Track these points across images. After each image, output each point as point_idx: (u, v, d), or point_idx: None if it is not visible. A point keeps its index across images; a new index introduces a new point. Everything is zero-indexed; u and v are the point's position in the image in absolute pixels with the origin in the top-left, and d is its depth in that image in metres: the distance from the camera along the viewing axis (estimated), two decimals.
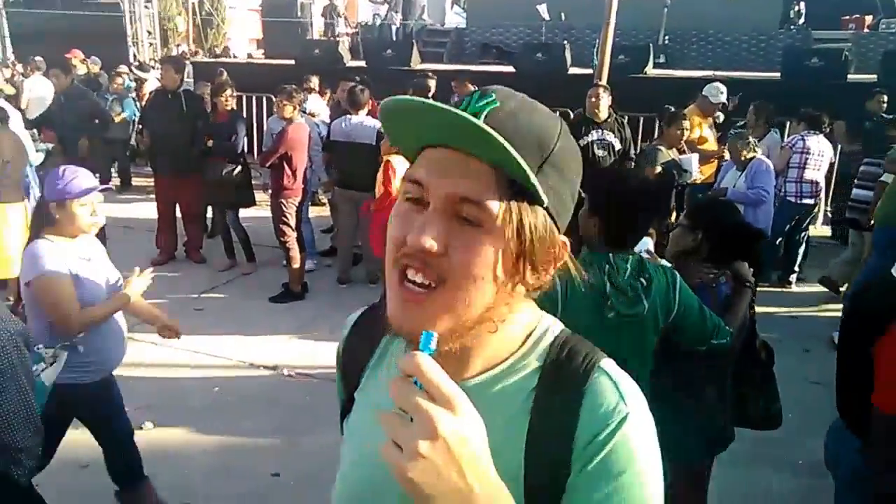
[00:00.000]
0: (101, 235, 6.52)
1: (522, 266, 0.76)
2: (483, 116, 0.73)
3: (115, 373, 4.33)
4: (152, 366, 4.48)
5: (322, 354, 4.66)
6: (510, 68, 9.90)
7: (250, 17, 24.27)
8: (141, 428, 3.67)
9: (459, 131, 0.71)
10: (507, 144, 0.69)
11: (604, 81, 6.68)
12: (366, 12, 22.65)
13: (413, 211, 0.75)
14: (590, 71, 9.07)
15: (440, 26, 14.63)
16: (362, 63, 10.91)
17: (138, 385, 4.22)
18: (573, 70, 9.58)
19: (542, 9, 11.60)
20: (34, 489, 2.24)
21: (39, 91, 9.22)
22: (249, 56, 15.95)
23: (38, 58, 10.31)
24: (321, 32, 14.74)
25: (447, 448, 0.60)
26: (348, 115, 5.68)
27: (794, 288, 6.14)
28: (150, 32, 14.00)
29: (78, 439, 3.52)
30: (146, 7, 14.02)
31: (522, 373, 0.83)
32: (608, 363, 0.85)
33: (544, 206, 0.75)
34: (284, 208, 5.70)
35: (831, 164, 6.52)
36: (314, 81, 8.04)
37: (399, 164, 5.20)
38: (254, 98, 10.08)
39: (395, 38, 12.65)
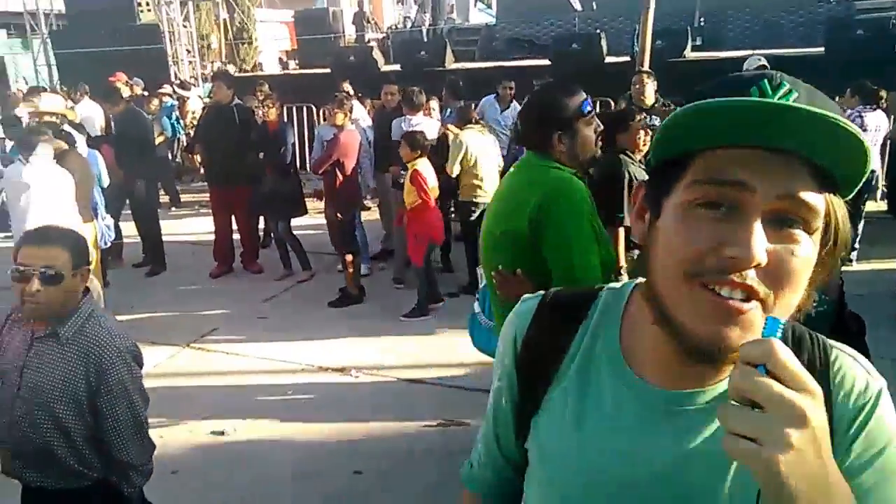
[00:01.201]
0: (160, 252, 6.82)
1: (820, 272, 0.71)
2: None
3: (187, 382, 4.52)
4: (224, 374, 4.64)
5: (387, 354, 4.78)
6: (545, 61, 9.90)
7: (280, 29, 24.64)
8: (222, 433, 3.82)
9: (793, 128, 0.63)
10: (861, 136, 0.63)
11: (646, 67, 6.65)
12: (392, 16, 22.81)
13: (712, 218, 0.68)
14: (626, 59, 9.02)
15: (468, 24, 14.67)
16: (396, 66, 11.02)
17: (213, 393, 4.39)
18: (609, 59, 9.53)
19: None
20: (145, 500, 2.32)
21: (87, 113, 9.57)
22: (281, 63, 16.22)
23: (83, 84, 10.69)
24: (351, 40, 14.90)
25: (815, 437, 0.57)
26: (407, 116, 5.77)
27: (855, 265, 6.02)
28: (189, 51, 14.34)
29: (168, 444, 3.67)
30: (184, 27, 14.36)
31: None
32: (834, 342, 0.82)
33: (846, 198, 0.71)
34: (338, 214, 5.81)
35: (885, 138, 6.38)
36: (347, 88, 8.16)
37: (426, 171, 5.32)
38: (294, 108, 10.25)
39: (426, 39, 12.73)
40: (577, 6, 11.77)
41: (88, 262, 2.09)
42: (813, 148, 0.65)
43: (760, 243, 0.65)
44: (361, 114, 7.71)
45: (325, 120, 7.69)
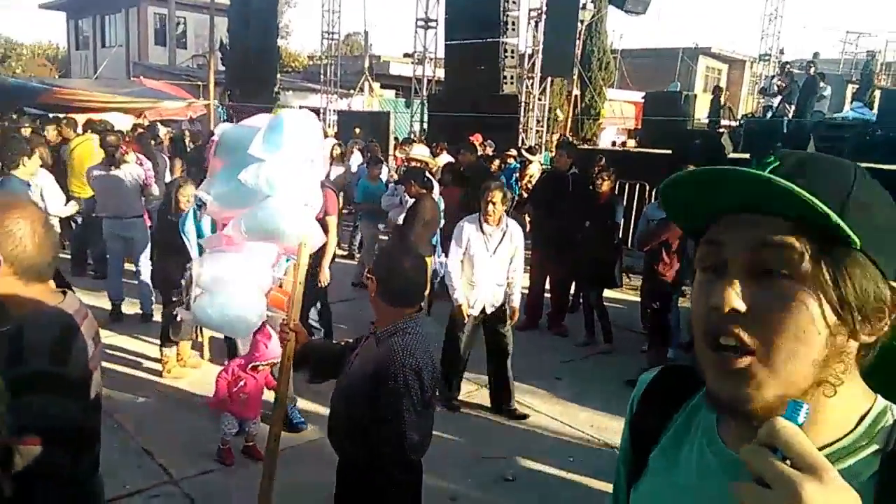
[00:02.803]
0: None
1: (849, 316, 0.70)
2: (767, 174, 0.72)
3: (481, 416, 4.71)
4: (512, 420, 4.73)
5: None
6: None
7: (627, 108, 25.28)
8: (506, 479, 3.88)
9: (751, 191, 0.71)
10: (796, 189, 0.67)
11: None
12: (750, 105, 21.74)
13: (713, 280, 0.74)
14: None
15: (840, 119, 13.22)
16: (745, 155, 10.38)
17: (500, 433, 4.51)
18: None
19: None
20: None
21: (443, 164, 10.93)
22: (624, 144, 16.57)
23: (443, 141, 12.30)
24: (701, 124, 14.54)
25: None
26: None
27: None
28: (538, 121, 15.52)
29: (452, 473, 3.84)
30: (539, 100, 15.63)
31: (857, 457, 0.73)
32: None
33: (858, 247, 0.69)
34: (653, 294, 5.60)
35: None
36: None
37: None
38: (627, 184, 10.29)
39: (785, 130, 11.80)
40: None
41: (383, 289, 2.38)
42: (773, 205, 0.70)
43: (733, 291, 0.70)
44: None
45: (655, 199, 7.56)
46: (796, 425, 0.61)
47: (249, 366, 3.81)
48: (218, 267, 2.63)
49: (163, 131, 11.99)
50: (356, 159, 11.60)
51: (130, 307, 6.43)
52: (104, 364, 5.25)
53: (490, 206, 4.52)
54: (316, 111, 20.20)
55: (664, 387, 0.97)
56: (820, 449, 0.70)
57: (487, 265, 4.59)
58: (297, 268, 2.62)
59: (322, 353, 2.66)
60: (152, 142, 9.39)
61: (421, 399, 2.27)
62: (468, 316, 4.64)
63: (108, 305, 6.27)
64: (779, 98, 12.85)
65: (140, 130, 11.28)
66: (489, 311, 4.73)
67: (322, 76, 21.55)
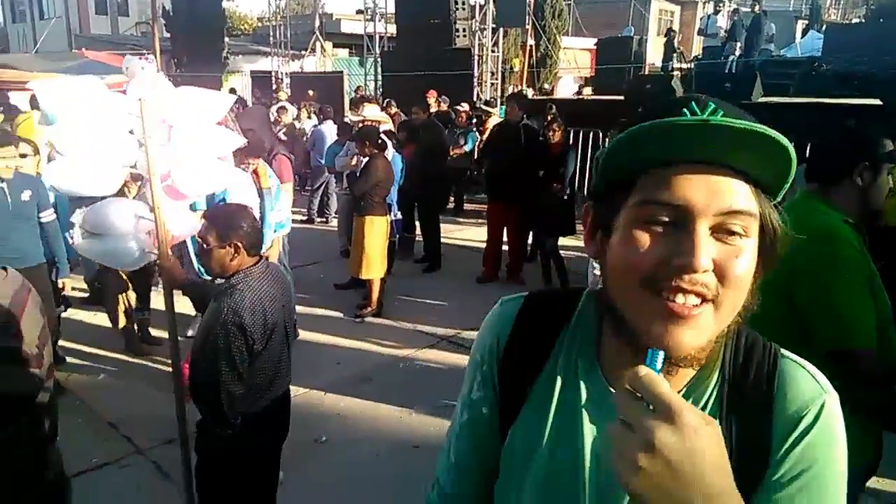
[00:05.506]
0: (438, 252, 7.41)
1: (763, 268, 0.77)
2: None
3: (438, 370, 4.82)
4: None
5: None
6: (875, 101, 8.61)
7: (582, 56, 25.21)
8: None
9: (722, 141, 0.69)
10: (783, 140, 0.68)
11: None
12: (701, 47, 21.83)
13: (661, 234, 0.73)
14: None
15: (787, 56, 13.39)
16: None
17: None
18: None
19: None
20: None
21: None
22: (579, 92, 16.57)
23: (391, 100, 12.16)
24: (655, 69, 14.60)
25: (666, 461, 0.60)
26: None
27: None
28: (493, 73, 15.42)
29: (409, 421, 3.93)
30: (492, 52, 15.50)
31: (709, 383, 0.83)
32: (788, 352, 0.84)
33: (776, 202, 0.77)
34: None
35: None
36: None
37: None
38: (581, 133, 10.37)
39: (733, 70, 11.93)
40: None
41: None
42: (742, 159, 0.71)
43: (705, 253, 0.71)
44: None
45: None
46: (655, 372, 0.64)
47: None
48: (99, 212, 2.93)
49: None
50: (309, 123, 11.46)
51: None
52: (66, 344, 5.19)
53: None
54: (267, 74, 19.79)
55: (532, 322, 0.94)
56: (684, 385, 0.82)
57: None
58: (155, 212, 2.79)
59: (199, 294, 2.88)
60: None
61: (245, 356, 2.36)
62: None
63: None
64: (721, 38, 12.93)
65: None
66: None
67: (271, 38, 20.97)
